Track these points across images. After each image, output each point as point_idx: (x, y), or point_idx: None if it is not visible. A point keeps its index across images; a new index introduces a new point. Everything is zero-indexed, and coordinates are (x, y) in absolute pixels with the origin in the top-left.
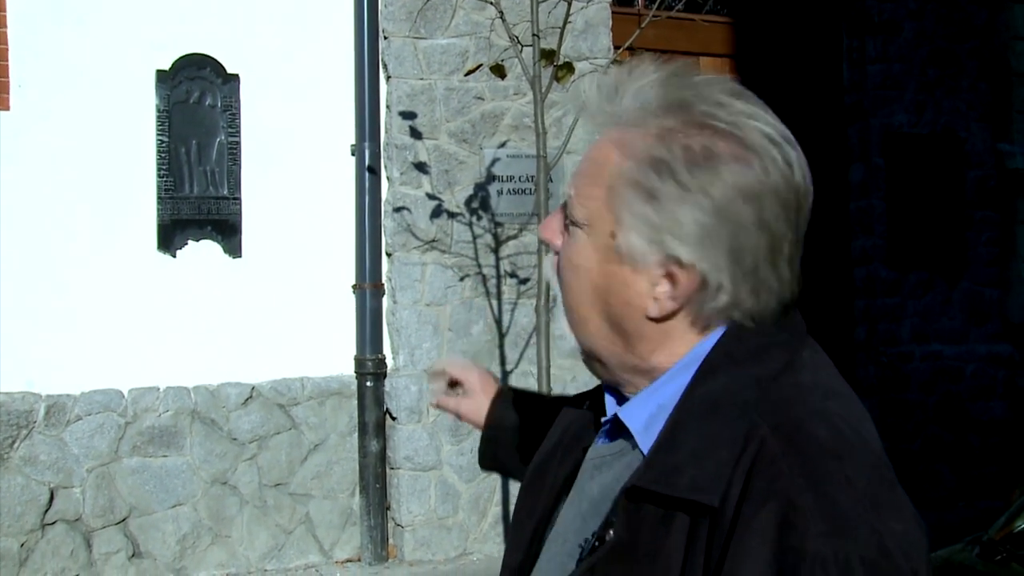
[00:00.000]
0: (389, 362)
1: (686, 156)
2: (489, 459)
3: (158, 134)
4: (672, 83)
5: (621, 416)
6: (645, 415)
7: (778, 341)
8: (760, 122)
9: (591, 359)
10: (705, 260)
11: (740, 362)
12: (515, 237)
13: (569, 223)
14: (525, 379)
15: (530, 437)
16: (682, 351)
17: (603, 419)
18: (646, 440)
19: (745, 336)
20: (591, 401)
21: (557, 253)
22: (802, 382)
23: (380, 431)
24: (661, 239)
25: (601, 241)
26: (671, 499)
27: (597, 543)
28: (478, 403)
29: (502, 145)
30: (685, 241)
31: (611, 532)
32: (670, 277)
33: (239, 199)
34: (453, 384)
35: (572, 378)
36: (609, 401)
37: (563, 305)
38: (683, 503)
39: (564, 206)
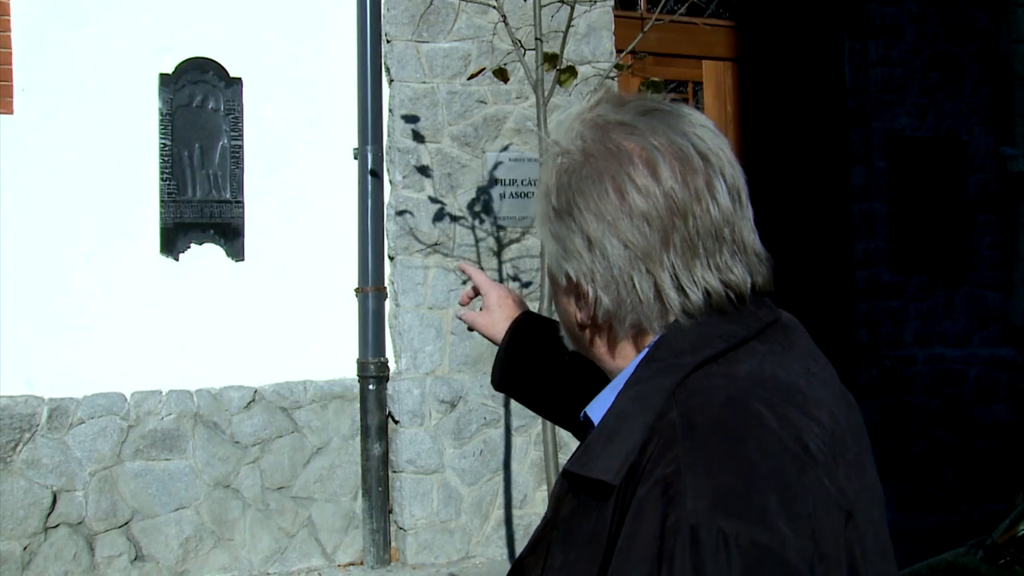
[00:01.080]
0: (391, 365)
1: (558, 181)
2: (499, 380)
3: (161, 137)
4: (588, 113)
5: (587, 411)
6: (603, 409)
7: (723, 333)
8: (638, 141)
9: None
10: (580, 274)
11: (677, 354)
12: (517, 241)
13: None
14: None
15: (538, 365)
16: (630, 351)
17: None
18: None
19: (686, 331)
20: None
21: None
22: (734, 372)
23: (382, 434)
24: (556, 257)
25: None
26: (589, 480)
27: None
28: (493, 320)
29: (504, 149)
30: (568, 259)
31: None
32: (574, 289)
33: (242, 203)
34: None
35: None
36: None
37: None
38: (597, 484)
39: None
